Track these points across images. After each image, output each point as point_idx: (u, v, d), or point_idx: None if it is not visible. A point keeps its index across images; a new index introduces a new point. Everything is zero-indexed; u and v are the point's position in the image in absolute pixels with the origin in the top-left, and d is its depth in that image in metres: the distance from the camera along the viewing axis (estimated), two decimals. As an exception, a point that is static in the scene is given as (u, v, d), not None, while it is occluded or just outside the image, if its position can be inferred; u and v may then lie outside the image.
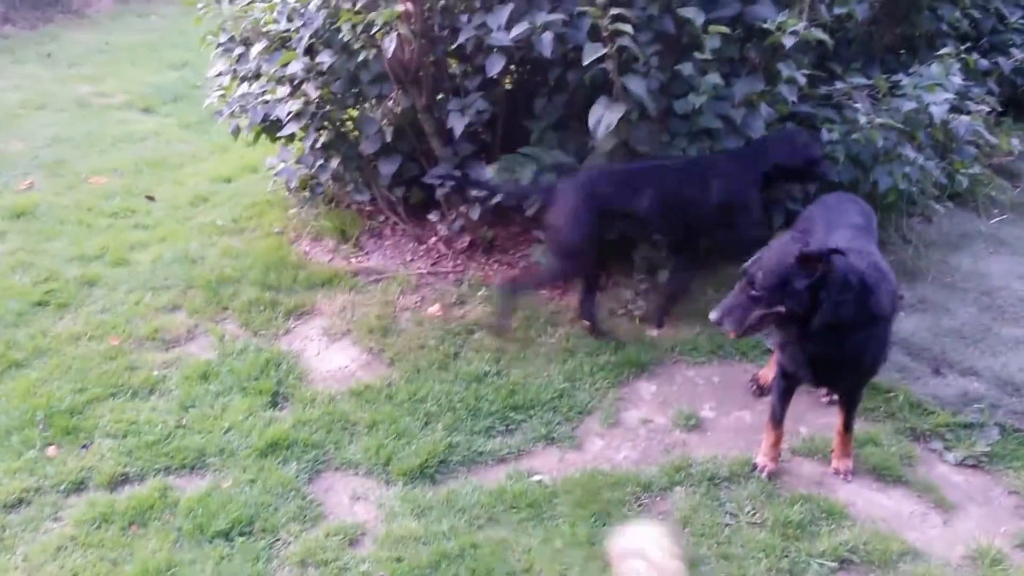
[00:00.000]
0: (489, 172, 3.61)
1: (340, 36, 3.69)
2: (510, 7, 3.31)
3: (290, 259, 4.20)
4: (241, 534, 2.59)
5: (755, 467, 2.79)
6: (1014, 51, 4.83)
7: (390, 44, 3.48)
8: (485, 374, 3.30)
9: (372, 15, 3.43)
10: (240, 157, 5.42)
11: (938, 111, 3.72)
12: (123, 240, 4.44)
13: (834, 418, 2.80)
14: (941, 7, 4.46)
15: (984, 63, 4.50)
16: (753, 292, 2.39)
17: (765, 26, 3.26)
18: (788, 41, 3.22)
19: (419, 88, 3.82)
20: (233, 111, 4.33)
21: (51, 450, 2.95)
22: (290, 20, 3.92)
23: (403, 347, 3.50)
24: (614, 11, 3.07)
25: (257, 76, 4.22)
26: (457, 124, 3.66)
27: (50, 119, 6.45)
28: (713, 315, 2.46)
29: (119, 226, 4.66)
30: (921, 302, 3.69)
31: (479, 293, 3.84)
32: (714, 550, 2.50)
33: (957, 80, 3.90)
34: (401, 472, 2.83)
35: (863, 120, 3.66)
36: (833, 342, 2.46)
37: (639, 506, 2.68)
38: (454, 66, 3.99)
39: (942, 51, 4.06)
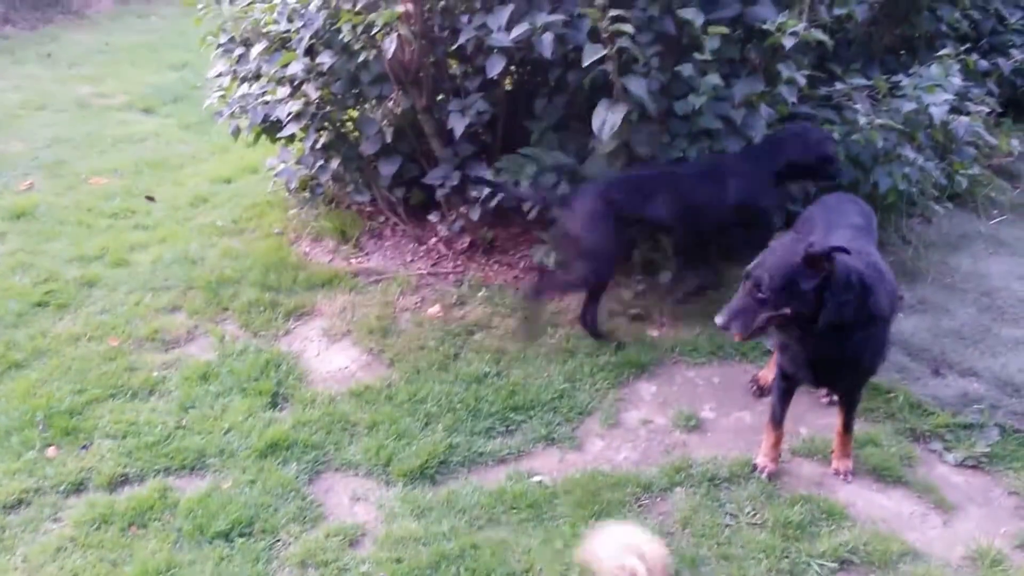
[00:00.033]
0: (524, 184, 3.59)
1: (340, 37, 3.69)
2: (510, 8, 3.31)
3: (290, 260, 4.20)
4: (241, 535, 2.59)
5: (755, 468, 2.79)
6: (1014, 52, 4.83)
7: (390, 45, 3.48)
8: (485, 375, 3.30)
9: (372, 16, 3.43)
10: (240, 158, 5.43)
11: (938, 112, 3.73)
12: (123, 241, 4.44)
13: (834, 419, 2.80)
14: (941, 8, 4.47)
15: (984, 64, 4.50)
16: (760, 295, 2.37)
17: (765, 27, 3.26)
18: (788, 42, 3.22)
19: (419, 89, 3.82)
20: (233, 112, 4.34)
21: (51, 451, 2.95)
22: (290, 21, 3.92)
23: (403, 348, 3.50)
24: (613, 12, 3.07)
25: (257, 77, 4.22)
26: (457, 125, 3.66)
27: (50, 120, 6.46)
28: (719, 319, 2.44)
29: (119, 227, 4.66)
30: (921, 303, 3.69)
31: (479, 294, 3.84)
32: (714, 551, 2.50)
33: (957, 81, 3.91)
34: (401, 473, 2.83)
35: (863, 121, 3.67)
36: (834, 342, 2.46)
37: (639, 507, 2.68)
38: (454, 67, 3.99)
39: (942, 52, 4.06)
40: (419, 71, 3.75)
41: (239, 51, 4.30)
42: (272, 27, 4.02)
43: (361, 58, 3.69)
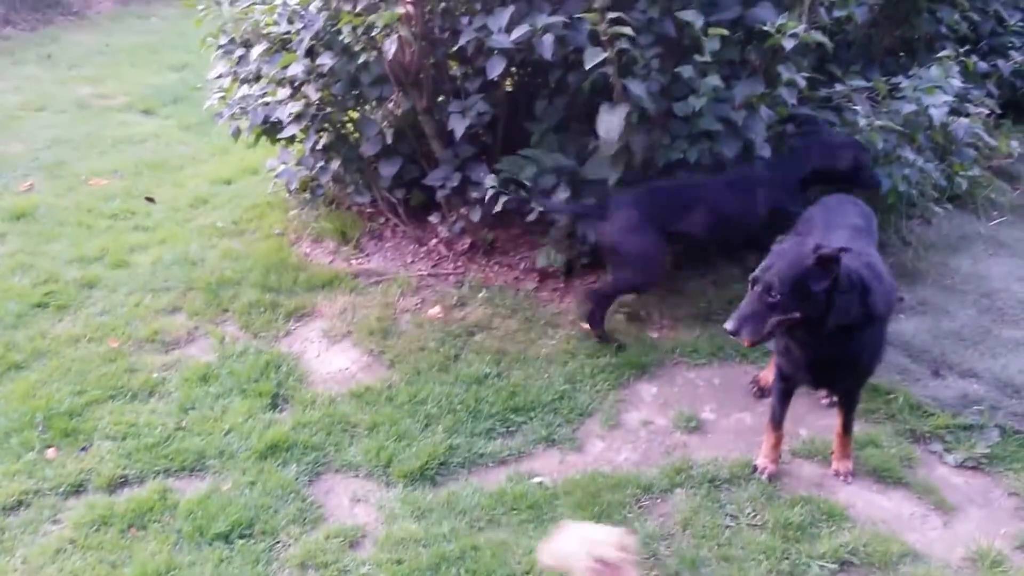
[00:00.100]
0: (559, 197, 3.62)
1: (341, 38, 3.69)
2: (511, 9, 3.31)
3: (290, 261, 4.20)
4: (241, 536, 2.59)
5: (755, 469, 2.79)
6: (1013, 54, 4.84)
7: (391, 46, 3.49)
8: (485, 376, 3.30)
9: (373, 17, 3.43)
10: (240, 159, 5.42)
11: (937, 113, 3.73)
12: (123, 242, 4.44)
13: (834, 420, 2.80)
14: (940, 10, 4.47)
15: (983, 65, 4.50)
16: (770, 299, 2.36)
17: (765, 29, 3.26)
18: (788, 44, 3.22)
19: (420, 90, 3.82)
20: (233, 113, 4.34)
21: (50, 452, 2.95)
22: (291, 22, 3.93)
23: (403, 349, 3.50)
24: (612, 15, 3.07)
25: (257, 78, 4.22)
26: (458, 126, 3.66)
27: (50, 121, 6.46)
28: (729, 325, 2.42)
29: (119, 228, 4.66)
30: (921, 304, 3.69)
31: (480, 295, 3.83)
32: (715, 552, 2.50)
33: (956, 83, 3.92)
34: (401, 474, 2.83)
35: (863, 122, 3.67)
36: (836, 343, 2.46)
37: (640, 508, 2.68)
38: (455, 68, 3.99)
39: (941, 54, 4.07)
40: (419, 72, 3.75)
41: (239, 52, 4.30)
42: (272, 28, 4.02)
43: (361, 59, 3.69)
